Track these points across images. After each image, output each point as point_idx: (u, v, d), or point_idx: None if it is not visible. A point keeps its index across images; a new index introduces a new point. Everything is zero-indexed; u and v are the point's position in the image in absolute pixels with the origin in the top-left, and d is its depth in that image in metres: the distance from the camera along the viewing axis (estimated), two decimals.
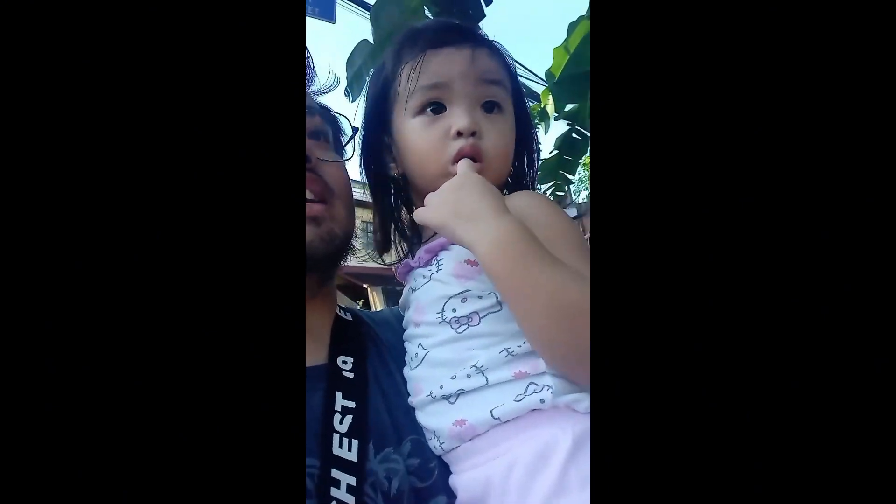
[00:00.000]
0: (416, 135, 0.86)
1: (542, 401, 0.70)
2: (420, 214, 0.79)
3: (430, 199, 0.79)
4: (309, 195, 0.84)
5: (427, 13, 2.73)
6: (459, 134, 0.82)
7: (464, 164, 0.81)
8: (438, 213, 0.76)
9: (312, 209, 0.84)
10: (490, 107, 0.85)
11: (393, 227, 0.97)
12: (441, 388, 0.76)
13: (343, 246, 0.90)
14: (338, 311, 0.95)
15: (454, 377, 0.75)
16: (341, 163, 0.94)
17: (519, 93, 0.92)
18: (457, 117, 0.83)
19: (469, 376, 0.74)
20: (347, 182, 0.93)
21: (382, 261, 0.98)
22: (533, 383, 0.71)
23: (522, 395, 0.71)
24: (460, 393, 0.75)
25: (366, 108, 0.94)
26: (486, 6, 2.37)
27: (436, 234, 0.86)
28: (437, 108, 0.85)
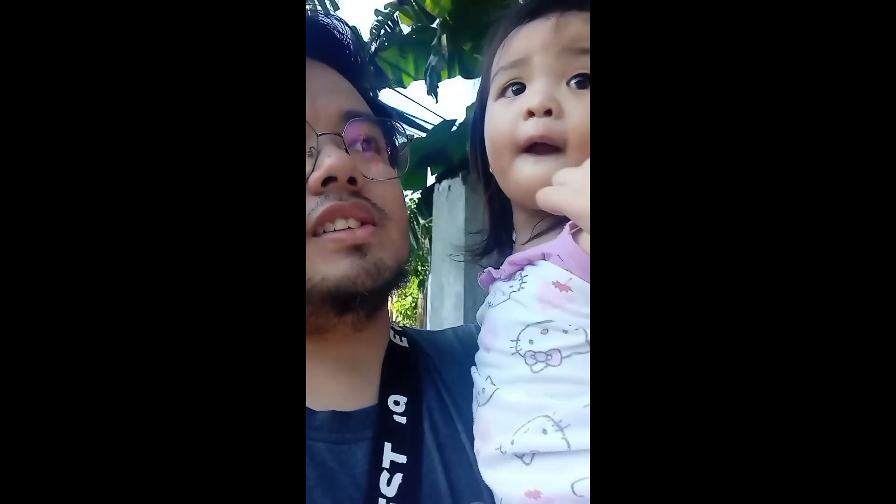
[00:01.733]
0: (493, 118, 0.72)
1: None
2: (549, 197, 0.62)
3: (567, 176, 0.62)
4: (353, 222, 0.68)
5: None
6: (531, 114, 0.67)
7: None
8: (581, 200, 0.57)
9: (356, 236, 0.67)
10: (583, 81, 0.68)
11: (492, 227, 0.81)
12: (512, 442, 0.61)
13: (395, 277, 0.72)
14: (391, 337, 0.79)
15: (527, 430, 0.60)
16: (395, 179, 0.77)
17: None
18: (531, 94, 0.68)
19: (545, 432, 0.59)
20: (401, 200, 0.77)
21: (480, 265, 0.82)
22: None
23: None
24: (536, 454, 0.60)
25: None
26: None
27: (535, 238, 0.71)
28: (519, 88, 0.70)
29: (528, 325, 0.64)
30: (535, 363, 0.63)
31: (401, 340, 0.80)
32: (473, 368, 0.72)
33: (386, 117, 0.80)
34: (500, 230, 0.81)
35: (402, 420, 0.68)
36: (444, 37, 3.01)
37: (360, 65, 0.80)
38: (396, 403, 0.70)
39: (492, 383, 0.67)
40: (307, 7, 0.81)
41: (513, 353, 0.64)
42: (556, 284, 0.63)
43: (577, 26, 0.69)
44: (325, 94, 0.71)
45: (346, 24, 0.79)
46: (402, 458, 0.65)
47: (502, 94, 0.72)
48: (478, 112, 0.81)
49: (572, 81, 0.68)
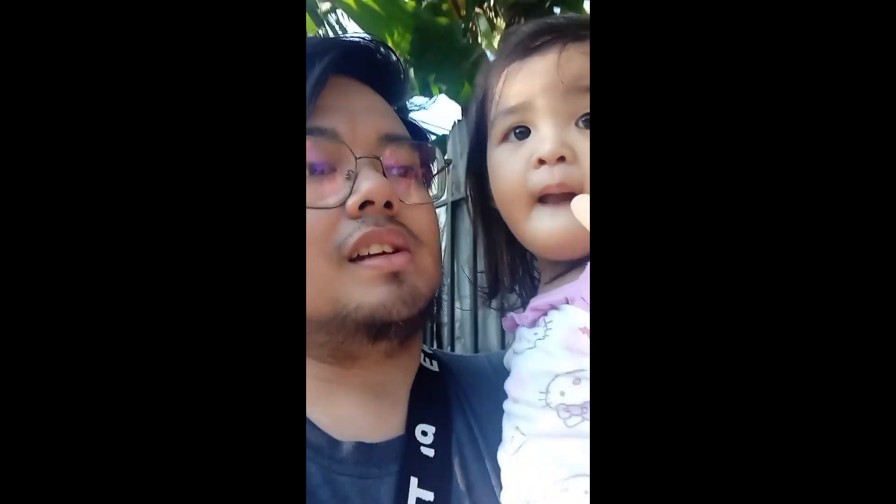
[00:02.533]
0: (499, 166, 0.69)
1: None
2: (582, 209, 0.58)
3: None
4: (387, 247, 0.66)
5: None
6: (542, 162, 0.65)
7: None
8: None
9: (393, 263, 0.65)
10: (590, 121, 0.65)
11: (504, 267, 0.78)
12: (544, 499, 0.58)
13: (429, 306, 0.70)
14: (422, 360, 0.76)
15: (566, 489, 0.57)
16: (429, 204, 0.75)
17: None
18: (538, 141, 0.65)
19: (587, 493, 0.56)
20: (435, 226, 0.74)
21: (490, 305, 0.79)
22: None
23: None
24: None
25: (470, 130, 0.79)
26: None
27: (558, 277, 0.68)
28: (523, 131, 0.68)
29: (557, 376, 0.60)
30: (570, 416, 0.59)
31: (431, 364, 0.77)
32: (504, 415, 0.68)
33: (423, 141, 0.79)
34: (513, 270, 0.78)
35: (430, 452, 0.65)
36: (410, 71, 3.09)
37: (400, 86, 0.79)
38: (424, 434, 0.66)
39: (521, 434, 0.63)
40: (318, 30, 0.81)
41: (543, 406, 0.61)
42: (584, 330, 0.60)
43: (580, 63, 0.66)
44: (365, 115, 0.70)
45: (388, 46, 0.78)
46: (428, 496, 0.61)
47: (505, 138, 0.70)
48: (474, 151, 0.78)
49: (580, 122, 0.65)
